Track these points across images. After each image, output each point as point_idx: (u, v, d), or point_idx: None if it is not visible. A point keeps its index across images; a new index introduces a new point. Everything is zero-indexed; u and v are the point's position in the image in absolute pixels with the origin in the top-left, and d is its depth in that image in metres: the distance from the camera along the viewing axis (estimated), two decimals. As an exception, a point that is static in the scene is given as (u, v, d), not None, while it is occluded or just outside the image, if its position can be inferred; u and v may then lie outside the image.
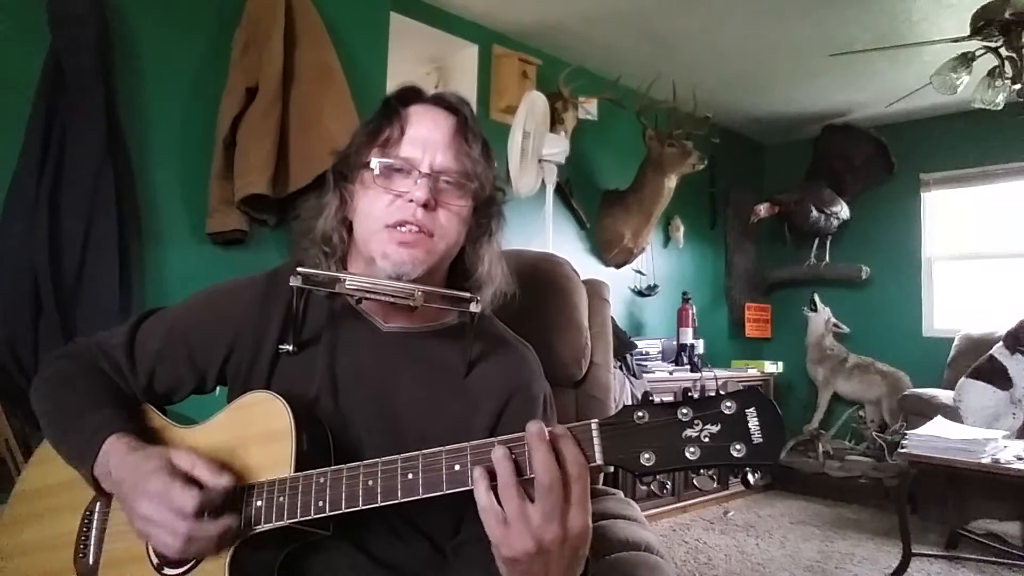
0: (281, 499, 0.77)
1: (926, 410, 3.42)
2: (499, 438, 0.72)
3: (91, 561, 0.86)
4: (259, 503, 0.78)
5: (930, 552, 2.97)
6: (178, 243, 2.19)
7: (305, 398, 0.88)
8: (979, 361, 3.36)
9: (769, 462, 0.66)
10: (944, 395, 3.51)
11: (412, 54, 3.35)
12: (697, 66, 3.73)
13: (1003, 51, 2.79)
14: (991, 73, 2.90)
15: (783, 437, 0.68)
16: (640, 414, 0.69)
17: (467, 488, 0.72)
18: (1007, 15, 2.63)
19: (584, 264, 3.70)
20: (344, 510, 0.75)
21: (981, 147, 4.25)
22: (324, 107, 2.19)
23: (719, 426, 0.67)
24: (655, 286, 4.18)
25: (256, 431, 0.83)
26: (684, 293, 4.14)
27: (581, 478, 0.69)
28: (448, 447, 0.74)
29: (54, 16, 1.89)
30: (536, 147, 3.12)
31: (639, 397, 3.21)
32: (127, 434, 0.83)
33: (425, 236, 0.86)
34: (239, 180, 2.11)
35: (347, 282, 0.84)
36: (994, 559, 2.86)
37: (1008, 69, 2.82)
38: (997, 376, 3.23)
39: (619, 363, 3.26)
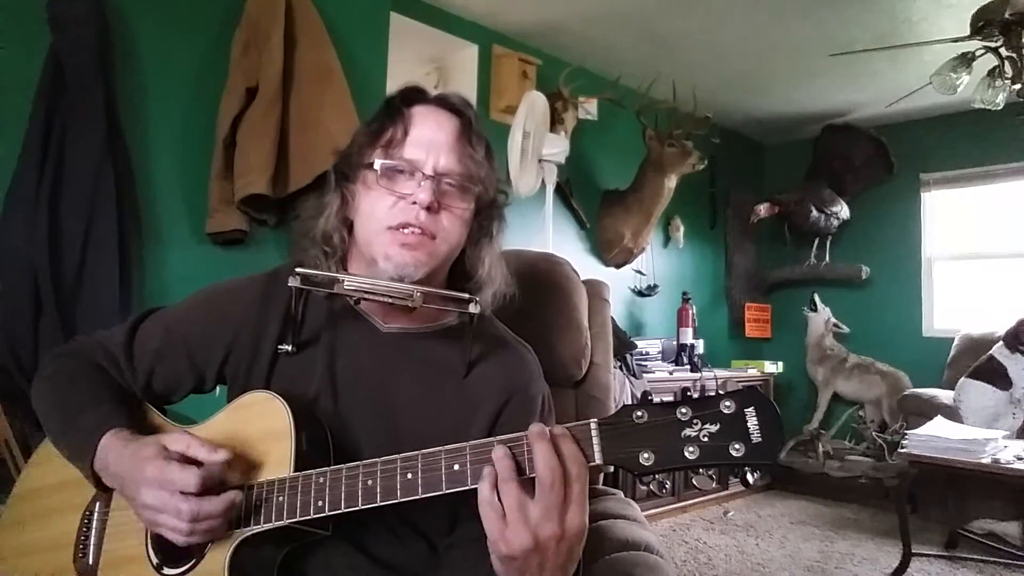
0: (280, 499, 0.77)
1: (926, 410, 3.42)
2: (499, 438, 0.73)
3: (91, 561, 0.86)
4: (258, 503, 0.78)
5: (930, 552, 2.97)
6: (178, 243, 2.19)
7: (304, 398, 0.88)
8: (979, 361, 3.36)
9: (768, 462, 0.66)
10: (944, 395, 3.51)
11: (412, 54, 3.35)
12: (697, 66, 3.73)
13: (1003, 51, 2.79)
14: (991, 73, 2.90)
15: (782, 436, 0.68)
16: (639, 414, 0.69)
17: (466, 488, 0.72)
18: (1007, 15, 2.63)
19: (584, 264, 3.70)
20: (343, 510, 0.75)
21: (981, 147, 4.25)
22: (324, 107, 2.20)
23: (718, 425, 0.67)
24: (655, 286, 4.18)
25: (255, 431, 0.83)
26: (684, 293, 4.14)
27: (580, 477, 0.69)
28: (447, 447, 0.74)
29: (54, 16, 1.89)
30: (536, 147, 3.12)
31: (639, 397, 3.21)
32: (124, 429, 0.83)
33: (427, 238, 0.86)
34: (239, 180, 2.11)
35: (346, 283, 0.84)
36: (994, 559, 2.86)
37: (1008, 69, 2.82)
38: (997, 376, 3.23)
39: (619, 363, 3.26)
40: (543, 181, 3.28)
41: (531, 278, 1.23)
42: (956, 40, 2.83)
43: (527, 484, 0.69)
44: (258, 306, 0.93)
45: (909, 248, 4.54)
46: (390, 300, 0.85)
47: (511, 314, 0.97)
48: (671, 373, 3.72)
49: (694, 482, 3.74)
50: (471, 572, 0.78)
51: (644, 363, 3.63)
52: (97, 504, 0.88)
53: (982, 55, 2.85)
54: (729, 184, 4.82)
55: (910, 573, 2.73)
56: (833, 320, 4.45)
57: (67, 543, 0.88)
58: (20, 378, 1.79)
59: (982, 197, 4.39)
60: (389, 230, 0.86)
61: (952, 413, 3.23)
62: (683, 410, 0.68)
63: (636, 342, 3.60)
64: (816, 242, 4.65)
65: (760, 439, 0.66)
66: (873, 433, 4.09)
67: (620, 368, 3.24)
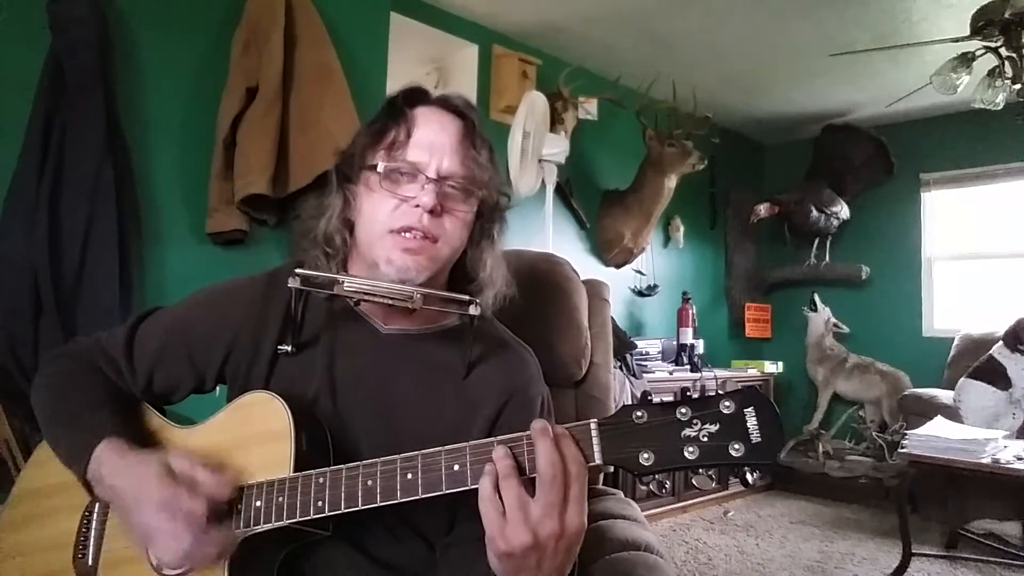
0: (280, 499, 0.77)
1: (926, 410, 3.42)
2: (499, 438, 0.73)
3: (90, 561, 0.86)
4: (258, 503, 0.78)
5: (930, 552, 2.97)
6: (178, 243, 2.19)
7: (304, 399, 0.88)
8: (979, 361, 3.36)
9: (768, 461, 0.66)
10: (944, 395, 3.51)
11: (412, 54, 3.35)
12: (697, 66, 3.73)
13: (1003, 51, 2.79)
14: (991, 73, 2.90)
15: (782, 436, 0.69)
16: (639, 414, 0.69)
17: (466, 488, 0.72)
18: (1007, 15, 2.63)
19: (584, 264, 3.70)
20: (343, 510, 0.76)
21: (981, 147, 4.25)
22: (324, 107, 2.19)
23: (718, 425, 0.67)
24: (655, 286, 4.18)
25: (255, 431, 0.83)
26: (684, 293, 4.14)
27: (580, 477, 0.69)
28: (447, 447, 0.74)
29: (54, 16, 1.89)
30: (536, 147, 3.12)
31: (639, 397, 3.21)
32: (118, 438, 0.82)
33: (429, 242, 0.86)
34: (239, 180, 2.11)
35: (346, 284, 0.84)
36: (994, 559, 2.86)
37: (1008, 69, 2.82)
38: (997, 376, 3.23)
39: (619, 363, 3.26)
40: (543, 181, 3.28)
41: (531, 278, 1.23)
42: (956, 40, 2.83)
43: (527, 484, 0.69)
44: (258, 306, 0.93)
45: (909, 248, 4.54)
46: (390, 302, 0.84)
47: (511, 314, 0.97)
48: (671, 373, 3.72)
49: (694, 482, 3.74)
50: (470, 572, 0.78)
51: (644, 363, 3.63)
52: (97, 504, 0.88)
53: (982, 55, 2.85)
54: (729, 184, 4.82)
55: (910, 573, 2.73)
56: (833, 320, 4.46)
57: (67, 543, 0.88)
58: (20, 378, 1.79)
59: (982, 197, 4.39)
60: (391, 233, 0.86)
61: (952, 413, 3.23)
62: (683, 410, 0.68)
63: (636, 342, 3.60)
64: (816, 242, 4.65)
65: (760, 439, 0.66)
66: (873, 433, 4.10)
67: (620, 368, 3.24)
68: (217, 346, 0.92)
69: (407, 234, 0.85)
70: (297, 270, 0.86)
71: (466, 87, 3.30)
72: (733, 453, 0.66)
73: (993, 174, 4.29)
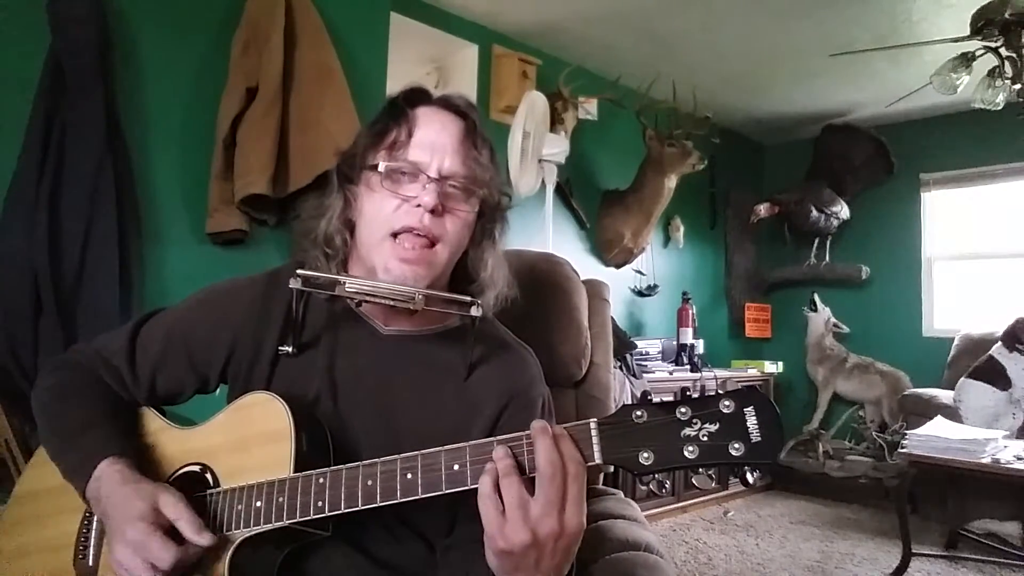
0: (280, 499, 0.77)
1: (926, 410, 3.42)
2: (499, 438, 0.73)
3: (90, 562, 0.86)
4: (259, 503, 0.78)
5: (930, 552, 2.97)
6: (178, 243, 2.19)
7: (305, 399, 0.88)
8: (979, 361, 3.36)
9: (768, 461, 0.66)
10: (944, 395, 3.51)
11: (412, 54, 3.35)
12: (697, 66, 3.73)
13: (1003, 51, 2.79)
14: (991, 73, 2.90)
15: (782, 436, 0.68)
16: (639, 413, 0.69)
17: (466, 488, 0.72)
18: (1007, 15, 2.63)
19: (584, 264, 3.70)
20: (343, 510, 0.76)
21: (981, 147, 4.24)
22: (324, 107, 2.19)
23: (718, 425, 0.67)
24: (655, 286, 4.18)
25: (256, 432, 0.83)
26: (684, 293, 4.14)
27: (578, 476, 0.69)
28: (447, 447, 0.74)
29: (54, 16, 1.89)
30: (536, 147, 3.12)
31: (639, 397, 3.21)
32: (121, 459, 0.81)
33: (427, 251, 0.86)
34: (239, 180, 2.11)
35: (347, 285, 0.84)
36: (994, 559, 2.86)
37: (1008, 69, 2.82)
38: (996, 376, 3.23)
39: (619, 363, 3.26)
40: (543, 181, 3.28)
41: (531, 278, 1.23)
42: (956, 40, 2.83)
43: (527, 483, 0.69)
44: (259, 307, 0.92)
45: (909, 248, 4.54)
46: (392, 303, 0.84)
47: (511, 315, 0.97)
48: (671, 373, 3.72)
49: (694, 482, 3.74)
50: (470, 572, 0.78)
51: (644, 363, 3.63)
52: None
53: (982, 55, 2.85)
54: (729, 184, 4.82)
55: (910, 573, 2.73)
56: (833, 320, 4.46)
57: (67, 544, 0.88)
58: (20, 378, 1.79)
59: (982, 197, 4.39)
60: (391, 239, 0.85)
61: (952, 413, 3.23)
62: (682, 410, 0.68)
63: (636, 342, 3.60)
64: (816, 242, 4.65)
65: (760, 438, 0.66)
66: (873, 433, 4.10)
67: (620, 368, 3.24)
68: (218, 347, 0.92)
69: (407, 243, 0.85)
70: (299, 271, 0.86)
71: (466, 87, 3.30)
72: (733, 452, 0.66)
73: (993, 174, 4.29)
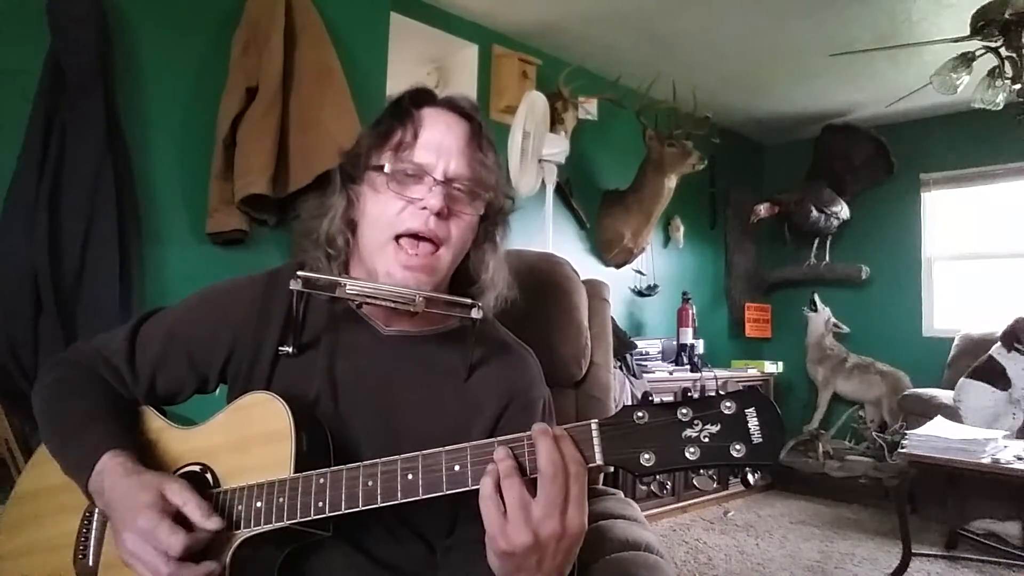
0: (281, 500, 0.77)
1: (926, 410, 3.42)
2: (500, 438, 0.73)
3: (91, 562, 0.86)
4: (259, 504, 0.78)
5: (930, 552, 2.98)
6: (178, 243, 2.19)
7: (305, 399, 0.88)
8: (978, 361, 3.36)
9: (769, 462, 0.66)
10: (944, 395, 3.51)
11: (412, 54, 3.35)
12: (697, 66, 3.73)
13: (1003, 51, 2.79)
14: (991, 73, 2.90)
15: (783, 437, 0.69)
16: (640, 414, 0.69)
17: (467, 489, 0.72)
18: (1007, 15, 2.63)
19: (584, 264, 3.70)
20: (344, 511, 0.75)
21: (981, 147, 4.25)
22: (324, 107, 2.19)
23: (719, 426, 0.67)
24: (655, 286, 4.18)
25: (256, 432, 0.83)
26: (684, 293, 4.14)
27: (579, 477, 0.69)
28: (448, 448, 0.74)
29: (54, 17, 1.89)
30: (536, 147, 3.12)
31: (639, 397, 3.21)
32: (123, 452, 0.81)
33: (430, 256, 0.85)
34: (239, 180, 2.11)
35: (347, 287, 0.84)
36: (994, 559, 2.86)
37: (1008, 69, 2.81)
38: (996, 376, 3.23)
39: (619, 363, 3.26)
40: (543, 181, 3.28)
41: (531, 278, 1.23)
42: (956, 40, 2.83)
43: (528, 484, 0.69)
44: (259, 307, 0.92)
45: (909, 248, 4.54)
46: (392, 305, 0.84)
47: (511, 315, 0.97)
48: (671, 373, 3.72)
49: (694, 482, 3.74)
50: (470, 573, 0.78)
51: (644, 363, 3.63)
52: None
53: (982, 55, 2.85)
54: (729, 184, 4.82)
55: (910, 573, 2.73)
56: (833, 320, 4.46)
57: (67, 544, 0.88)
58: (20, 378, 1.79)
59: (982, 197, 4.39)
60: (394, 243, 0.85)
61: (952, 413, 3.23)
62: (684, 411, 0.68)
63: (636, 342, 3.60)
64: (816, 242, 4.65)
65: (761, 439, 0.66)
66: (873, 433, 4.10)
67: (620, 368, 3.24)
68: (218, 347, 0.92)
69: (411, 249, 0.85)
70: (299, 272, 0.86)
71: (466, 87, 3.30)
72: (734, 454, 0.66)
73: (993, 174, 4.29)
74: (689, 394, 3.49)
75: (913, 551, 2.71)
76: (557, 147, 3.26)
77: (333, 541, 0.83)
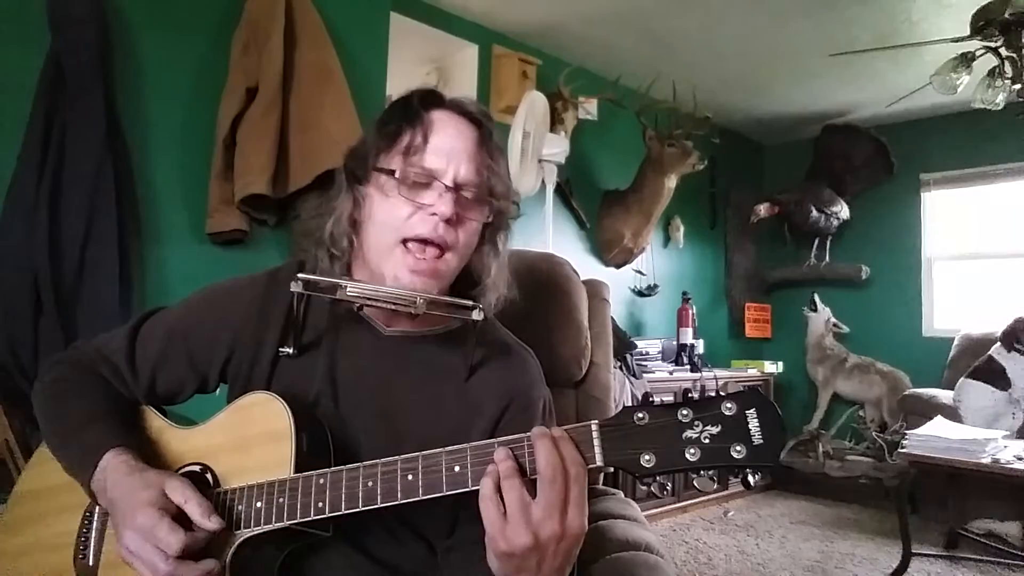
0: (281, 500, 0.77)
1: (926, 410, 3.42)
2: (500, 439, 0.73)
3: (91, 562, 0.86)
4: (259, 504, 0.78)
5: (930, 552, 2.97)
6: (178, 243, 2.19)
7: (305, 400, 0.88)
8: (978, 361, 3.36)
9: (769, 463, 0.66)
10: (944, 395, 3.51)
11: (412, 54, 3.35)
12: (697, 66, 3.73)
13: (1003, 51, 2.79)
14: (991, 73, 2.90)
15: (783, 438, 0.69)
16: (640, 415, 0.69)
17: (467, 489, 0.72)
18: (1007, 15, 2.63)
19: (584, 264, 3.70)
20: (344, 511, 0.75)
21: (981, 147, 4.25)
22: (324, 107, 2.19)
23: (719, 427, 0.67)
24: (655, 286, 4.18)
25: (256, 432, 0.83)
26: (684, 293, 4.14)
27: (579, 479, 0.69)
28: (448, 448, 0.74)
29: (54, 17, 1.89)
30: (536, 147, 3.12)
31: (639, 397, 3.21)
32: (126, 450, 0.82)
33: (437, 260, 0.85)
34: (239, 180, 2.11)
35: (348, 289, 0.84)
36: (994, 559, 2.86)
37: (1008, 69, 2.81)
38: (996, 376, 3.23)
39: (619, 363, 3.26)
40: (543, 181, 3.28)
41: (531, 278, 1.23)
42: (956, 40, 2.83)
43: (528, 485, 0.69)
44: (259, 307, 0.92)
45: (909, 248, 4.54)
46: (393, 307, 0.84)
47: (511, 315, 0.97)
48: (671, 373, 3.72)
49: (694, 483, 3.74)
50: (470, 574, 0.78)
51: (644, 363, 3.63)
52: (97, 505, 0.88)
53: (982, 55, 2.85)
54: (729, 184, 4.82)
55: (910, 573, 2.73)
56: (833, 320, 4.46)
57: (67, 543, 0.88)
58: (20, 378, 1.79)
59: (982, 197, 4.39)
60: (402, 245, 0.85)
61: (952, 413, 3.23)
62: (684, 412, 0.68)
63: (636, 342, 3.60)
64: (816, 242, 4.65)
65: (761, 440, 0.66)
66: (873, 433, 4.10)
67: (620, 368, 3.24)
68: (218, 347, 0.92)
69: (418, 253, 0.84)
70: (299, 275, 0.86)
71: (466, 87, 3.30)
72: (735, 455, 0.66)
73: (993, 174, 4.29)
74: (689, 394, 3.46)
75: (913, 551, 2.71)
76: (557, 147, 3.26)
77: (333, 541, 0.83)
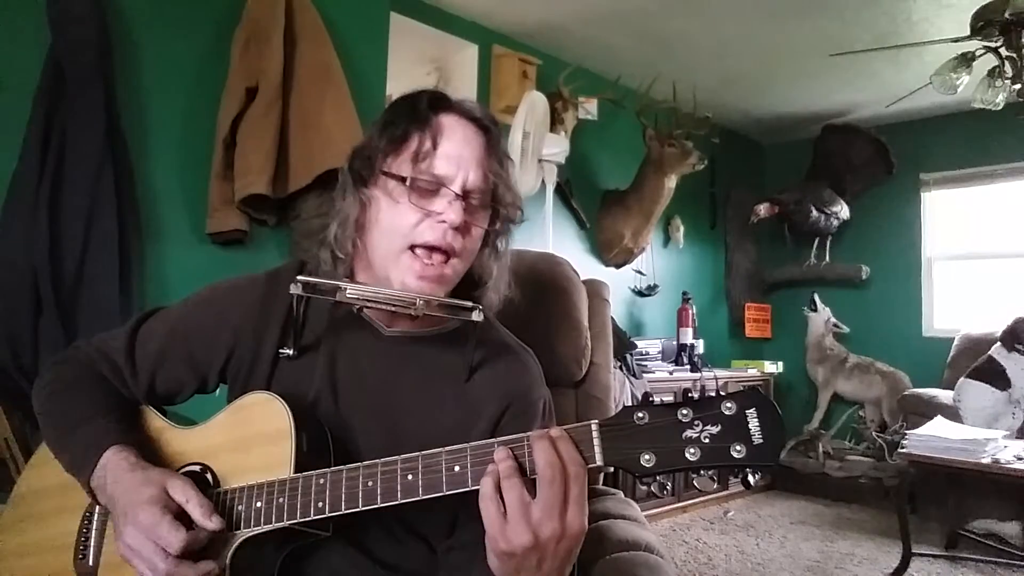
0: (281, 500, 0.77)
1: (926, 410, 3.42)
2: (500, 439, 0.73)
3: (91, 562, 0.86)
4: (259, 504, 0.78)
5: (930, 552, 2.97)
6: (178, 243, 2.19)
7: (305, 400, 0.88)
8: (978, 361, 3.36)
9: (769, 463, 0.66)
10: (944, 395, 3.51)
11: (412, 54, 3.35)
12: (697, 66, 3.73)
13: (1003, 51, 2.79)
14: (991, 73, 2.90)
15: (783, 438, 0.69)
16: (640, 415, 0.69)
17: (466, 489, 0.72)
18: (1007, 15, 2.63)
19: (584, 264, 3.70)
20: (344, 511, 0.75)
21: (981, 147, 4.25)
22: (324, 107, 2.19)
23: (719, 427, 0.67)
24: (655, 286, 4.18)
25: (256, 432, 0.83)
26: (684, 293, 4.14)
27: (579, 478, 0.69)
28: (448, 448, 0.74)
29: (54, 16, 1.89)
30: (536, 147, 3.12)
31: (639, 397, 3.21)
32: (126, 447, 0.82)
33: (443, 265, 0.85)
34: (239, 180, 2.11)
35: (348, 291, 0.83)
36: (994, 559, 2.87)
37: (1008, 69, 2.82)
38: (996, 376, 3.23)
39: (619, 363, 3.26)
40: (543, 181, 3.28)
41: (531, 278, 1.23)
42: (956, 40, 2.83)
43: (529, 484, 0.69)
44: (259, 308, 0.92)
45: (909, 248, 4.54)
46: (393, 309, 0.84)
47: (511, 315, 0.97)
48: (671, 373, 3.72)
49: (694, 483, 3.74)
50: (470, 574, 0.78)
51: (644, 363, 3.63)
52: (97, 506, 0.88)
53: (982, 55, 2.85)
54: (729, 184, 4.82)
55: (910, 573, 2.73)
56: (833, 320, 4.46)
57: (67, 544, 0.88)
58: (20, 378, 1.79)
59: (982, 197, 4.40)
60: (409, 251, 0.85)
61: (952, 413, 3.23)
62: (684, 411, 0.68)
63: (636, 342, 3.60)
64: (816, 242, 4.65)
65: (761, 440, 0.66)
66: (873, 433, 4.10)
67: (620, 368, 3.24)
68: (218, 347, 0.92)
69: (425, 259, 0.84)
70: (299, 277, 0.85)
71: (466, 87, 3.30)
72: (735, 455, 0.66)
73: (993, 174, 4.29)
74: (689, 394, 3.47)
75: (913, 551, 2.71)
76: (557, 147, 3.26)
77: (333, 541, 0.83)
